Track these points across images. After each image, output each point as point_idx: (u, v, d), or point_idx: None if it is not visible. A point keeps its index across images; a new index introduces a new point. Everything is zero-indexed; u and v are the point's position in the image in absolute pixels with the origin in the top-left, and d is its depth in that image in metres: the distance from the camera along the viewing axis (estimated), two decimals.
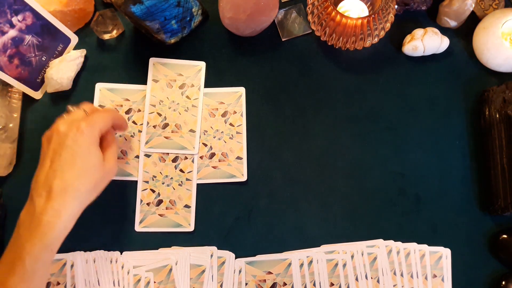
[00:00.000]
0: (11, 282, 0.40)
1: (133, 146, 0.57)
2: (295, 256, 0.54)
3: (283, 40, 0.61)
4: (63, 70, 0.56)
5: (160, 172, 0.56)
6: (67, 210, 0.42)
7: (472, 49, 0.62)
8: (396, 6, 0.60)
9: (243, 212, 0.56)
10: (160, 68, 0.59)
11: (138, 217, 0.55)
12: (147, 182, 0.56)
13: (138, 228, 0.55)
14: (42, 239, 0.41)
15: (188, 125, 0.58)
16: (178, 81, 0.59)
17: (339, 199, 0.57)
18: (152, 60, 0.59)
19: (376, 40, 0.58)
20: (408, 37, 0.60)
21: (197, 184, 0.56)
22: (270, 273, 0.53)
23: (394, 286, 0.54)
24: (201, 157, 0.57)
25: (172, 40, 0.59)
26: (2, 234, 0.54)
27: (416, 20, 0.63)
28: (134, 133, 0.57)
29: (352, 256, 0.54)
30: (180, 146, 0.57)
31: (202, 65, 0.60)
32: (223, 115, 0.58)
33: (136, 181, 0.56)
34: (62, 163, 0.43)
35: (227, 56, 0.61)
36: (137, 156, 0.57)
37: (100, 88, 0.58)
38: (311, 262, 0.54)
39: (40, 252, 0.41)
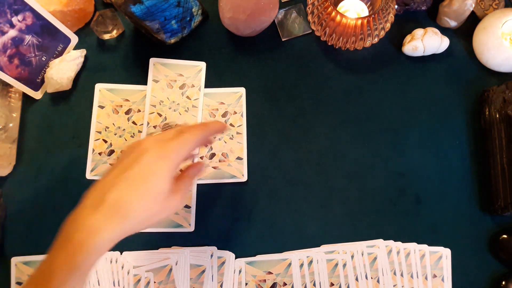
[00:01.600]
0: None
1: None
2: (295, 256, 0.54)
3: (283, 40, 0.61)
4: (63, 70, 0.56)
5: None
6: (107, 230, 0.36)
7: (472, 49, 0.62)
8: (396, 6, 0.60)
9: (243, 212, 0.56)
10: (160, 68, 0.59)
11: None
12: None
13: None
14: (71, 259, 0.35)
15: None
16: (178, 82, 0.59)
17: (339, 199, 0.57)
18: (152, 60, 0.59)
19: (376, 40, 0.58)
20: (408, 37, 0.60)
21: (197, 185, 0.56)
22: (270, 273, 0.54)
23: (394, 286, 0.54)
24: (201, 158, 0.57)
25: (172, 40, 0.59)
26: (2, 234, 0.54)
27: (416, 20, 0.63)
28: (134, 133, 0.57)
29: (352, 256, 0.54)
30: None
31: (202, 65, 0.60)
32: (224, 115, 0.58)
33: None
34: (129, 177, 0.37)
35: (227, 56, 0.61)
36: None
37: (100, 88, 0.58)
38: (311, 262, 0.54)
39: (68, 275, 0.35)
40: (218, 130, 0.44)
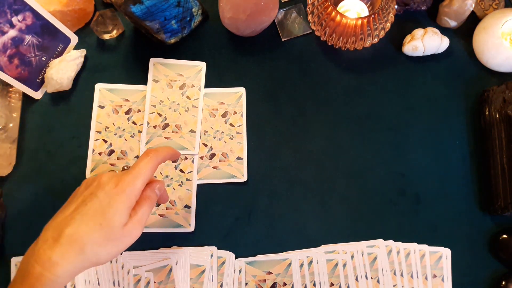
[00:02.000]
0: None
1: (133, 146, 0.57)
2: (295, 256, 0.54)
3: (283, 40, 0.61)
4: (63, 70, 0.56)
5: (160, 173, 0.56)
6: (65, 264, 0.37)
7: (472, 49, 0.62)
8: (396, 6, 0.60)
9: (243, 212, 0.56)
10: (160, 68, 0.59)
11: None
12: None
13: None
14: None
15: (188, 125, 0.58)
16: (178, 82, 0.59)
17: (339, 199, 0.57)
18: (152, 60, 0.59)
19: (376, 40, 0.58)
20: (408, 37, 0.60)
21: (197, 185, 0.56)
22: (270, 273, 0.54)
23: (394, 286, 0.54)
24: (201, 158, 0.57)
25: (172, 40, 0.59)
26: (2, 234, 0.54)
27: (416, 20, 0.63)
28: (134, 133, 0.57)
29: (352, 256, 0.54)
30: (181, 147, 0.57)
31: (202, 65, 0.60)
32: (224, 115, 0.59)
33: None
34: (85, 213, 0.39)
35: (227, 56, 0.61)
36: (137, 157, 0.57)
37: (100, 88, 0.58)
38: (311, 262, 0.54)
39: None
40: (169, 157, 0.46)
